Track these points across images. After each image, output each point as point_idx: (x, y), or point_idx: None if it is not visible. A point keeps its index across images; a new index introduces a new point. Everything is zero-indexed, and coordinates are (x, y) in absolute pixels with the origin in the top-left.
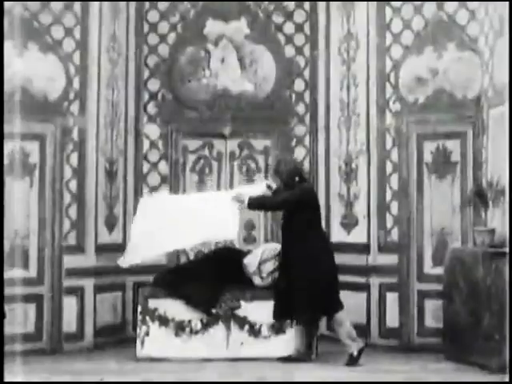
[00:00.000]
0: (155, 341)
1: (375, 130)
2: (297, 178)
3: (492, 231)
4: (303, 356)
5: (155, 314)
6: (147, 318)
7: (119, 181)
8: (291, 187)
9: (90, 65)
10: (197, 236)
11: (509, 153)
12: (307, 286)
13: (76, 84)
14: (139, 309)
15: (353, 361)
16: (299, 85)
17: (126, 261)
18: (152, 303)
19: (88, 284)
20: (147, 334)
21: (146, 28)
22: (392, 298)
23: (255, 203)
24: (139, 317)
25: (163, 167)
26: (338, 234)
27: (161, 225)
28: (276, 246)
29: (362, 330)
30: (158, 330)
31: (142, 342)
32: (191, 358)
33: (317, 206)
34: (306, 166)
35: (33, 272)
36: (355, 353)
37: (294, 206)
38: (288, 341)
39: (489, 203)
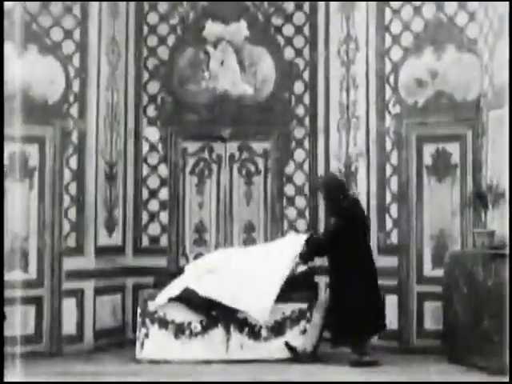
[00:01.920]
0: (155, 343)
1: (375, 132)
2: (341, 196)
3: (492, 233)
4: (305, 357)
5: (155, 317)
6: (147, 320)
7: (119, 183)
8: (336, 202)
9: (89, 67)
10: (229, 297)
11: (509, 155)
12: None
13: (75, 86)
14: (139, 311)
15: (356, 364)
16: (299, 87)
17: (159, 300)
18: (152, 305)
19: (88, 286)
20: (147, 336)
21: (145, 30)
22: (392, 300)
23: (307, 257)
24: (139, 319)
25: (163, 170)
26: None
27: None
28: None
29: None
30: (158, 332)
31: (142, 344)
32: (191, 360)
33: (357, 224)
34: (306, 168)
35: (32, 274)
36: (364, 359)
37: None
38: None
39: (488, 205)
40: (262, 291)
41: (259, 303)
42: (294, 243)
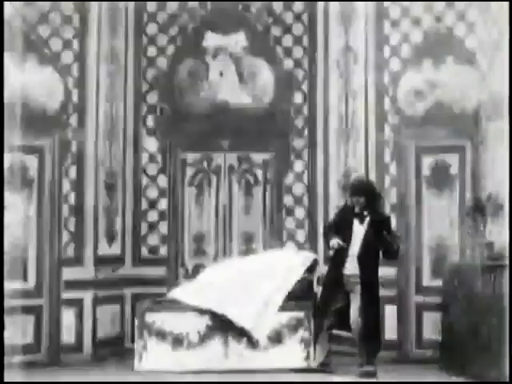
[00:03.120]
0: (153, 355)
1: (374, 143)
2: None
3: (490, 244)
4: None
5: (152, 328)
6: (144, 332)
7: (118, 194)
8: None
9: (88, 77)
10: (216, 303)
11: (508, 166)
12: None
13: (75, 97)
14: (136, 323)
15: (374, 375)
16: (298, 98)
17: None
18: (149, 317)
19: (87, 296)
20: (145, 348)
21: (144, 41)
22: (391, 311)
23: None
24: (136, 331)
25: (162, 180)
26: None
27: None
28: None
29: None
30: (156, 344)
31: (140, 357)
32: (189, 370)
33: None
34: (305, 179)
35: (32, 284)
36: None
37: None
38: (286, 352)
39: (487, 216)
40: (250, 299)
41: (245, 309)
42: (296, 261)
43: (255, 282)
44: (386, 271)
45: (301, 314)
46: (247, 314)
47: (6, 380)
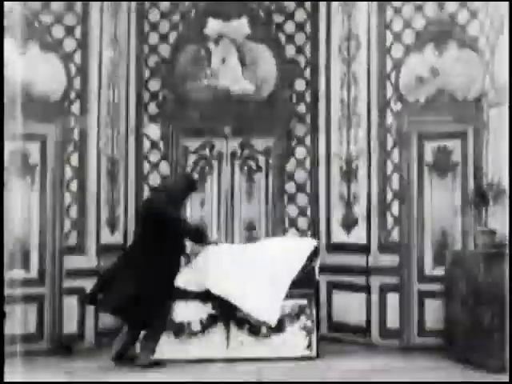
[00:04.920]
0: None
1: (376, 129)
2: None
3: (493, 232)
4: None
5: None
6: None
7: (120, 181)
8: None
9: (90, 64)
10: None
11: (509, 153)
12: None
13: (77, 84)
14: None
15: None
16: (300, 84)
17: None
18: None
19: (89, 285)
20: None
21: (146, 27)
22: (393, 299)
23: None
24: None
25: (164, 167)
26: (338, 235)
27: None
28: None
29: (363, 331)
30: None
31: None
32: (191, 359)
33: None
34: (307, 166)
35: (33, 272)
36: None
37: None
38: (288, 339)
39: (489, 203)
40: (267, 293)
41: (265, 304)
42: (300, 248)
43: (259, 270)
44: (388, 259)
45: (303, 302)
46: (263, 307)
47: (5, 380)
